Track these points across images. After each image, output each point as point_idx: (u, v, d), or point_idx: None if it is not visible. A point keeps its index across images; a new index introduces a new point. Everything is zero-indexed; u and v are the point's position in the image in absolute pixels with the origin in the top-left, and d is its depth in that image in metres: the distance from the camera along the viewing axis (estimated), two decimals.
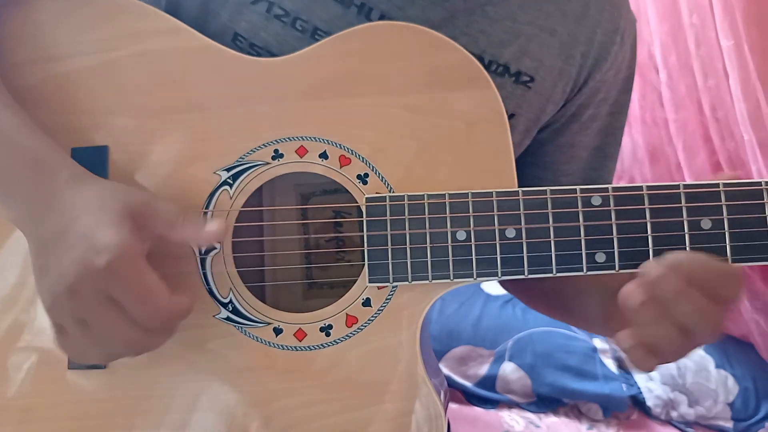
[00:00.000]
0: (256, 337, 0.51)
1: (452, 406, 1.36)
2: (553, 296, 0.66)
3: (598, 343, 1.47)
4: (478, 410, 1.37)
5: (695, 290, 0.42)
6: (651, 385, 1.41)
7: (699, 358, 1.43)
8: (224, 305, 0.51)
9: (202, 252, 0.51)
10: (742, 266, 0.45)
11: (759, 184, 0.47)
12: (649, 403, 1.39)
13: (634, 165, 1.61)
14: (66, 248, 0.43)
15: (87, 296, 0.42)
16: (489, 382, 1.40)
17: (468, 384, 1.40)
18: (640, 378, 1.43)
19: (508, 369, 1.40)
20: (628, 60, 0.64)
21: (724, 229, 0.47)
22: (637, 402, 1.41)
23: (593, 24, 0.60)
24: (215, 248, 0.52)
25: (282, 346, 0.51)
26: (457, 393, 1.41)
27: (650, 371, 0.46)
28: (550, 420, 1.36)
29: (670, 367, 1.41)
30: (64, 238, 0.43)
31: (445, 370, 1.41)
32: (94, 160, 0.51)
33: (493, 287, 1.55)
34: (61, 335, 0.45)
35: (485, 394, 1.39)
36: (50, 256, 0.44)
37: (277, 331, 0.51)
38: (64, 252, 0.43)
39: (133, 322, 0.42)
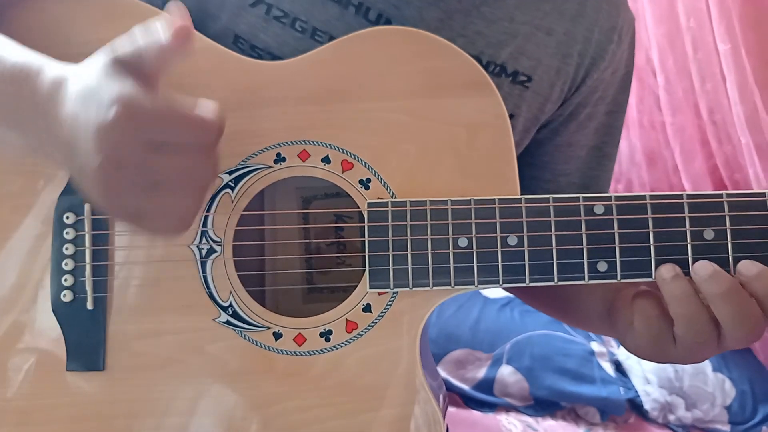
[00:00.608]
0: (256, 342, 0.51)
1: (450, 409, 1.36)
2: (554, 294, 0.66)
3: (596, 346, 1.48)
4: (476, 414, 1.37)
5: (744, 292, 0.45)
6: (648, 388, 1.41)
7: None
8: (224, 309, 0.51)
9: (205, 242, 0.51)
10: None
11: (763, 195, 0.47)
12: (647, 406, 1.40)
13: (632, 168, 1.62)
14: (82, 136, 0.39)
15: (130, 158, 0.38)
16: (487, 385, 1.40)
17: (466, 387, 1.40)
18: (637, 381, 1.43)
19: (506, 372, 1.40)
20: (626, 58, 0.64)
21: (726, 239, 0.47)
22: (635, 405, 1.42)
23: (590, 23, 0.59)
24: (215, 251, 0.51)
25: (281, 350, 0.51)
26: (455, 396, 1.41)
27: (663, 362, 0.48)
28: (548, 423, 1.36)
29: (668, 371, 1.41)
30: (76, 134, 0.40)
31: (443, 374, 1.41)
32: None
33: (491, 291, 1.55)
34: (143, 219, 0.41)
35: (483, 398, 1.40)
36: (78, 157, 0.40)
37: (277, 336, 0.51)
38: (83, 141, 0.39)
39: (188, 150, 0.40)
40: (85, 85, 0.40)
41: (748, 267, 0.46)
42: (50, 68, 0.44)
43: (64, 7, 0.53)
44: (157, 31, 0.40)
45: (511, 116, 0.58)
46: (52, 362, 0.52)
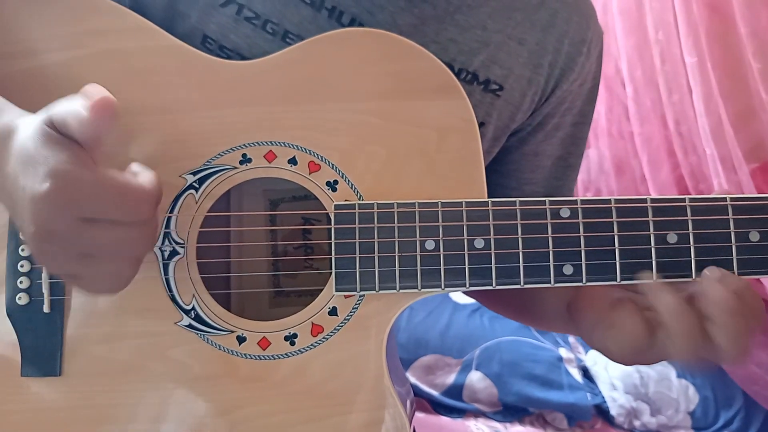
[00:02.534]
0: (219, 346, 0.50)
1: (419, 415, 1.36)
2: (513, 297, 0.67)
3: (564, 352, 1.49)
4: (444, 419, 1.37)
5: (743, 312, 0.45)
6: (615, 394, 1.43)
7: (661, 367, 1.46)
8: (186, 312, 0.50)
9: (168, 243, 0.50)
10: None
11: (724, 200, 0.47)
12: (613, 412, 1.41)
13: (600, 177, 1.64)
14: (19, 202, 0.41)
15: (62, 232, 0.39)
16: (456, 391, 1.40)
17: (435, 393, 1.40)
18: (604, 387, 1.45)
19: (475, 378, 1.41)
20: (594, 71, 0.65)
21: (689, 243, 0.48)
22: (601, 411, 1.43)
23: (561, 34, 0.60)
24: (178, 253, 0.50)
25: (245, 354, 0.50)
26: (423, 402, 1.41)
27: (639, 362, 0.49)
28: (516, 429, 1.37)
29: (633, 377, 1.44)
30: (13, 196, 0.41)
31: (412, 379, 1.41)
32: None
33: (461, 296, 1.56)
34: (74, 281, 0.43)
35: (452, 403, 1.40)
36: (18, 218, 0.42)
37: (241, 340, 0.50)
38: (20, 206, 0.40)
39: (120, 224, 0.40)
40: (25, 147, 0.41)
41: (713, 270, 0.47)
42: (4, 113, 0.45)
43: (21, 4, 0.52)
44: (75, 104, 0.40)
45: (481, 124, 0.59)
46: (5, 368, 0.50)
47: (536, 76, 0.60)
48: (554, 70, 0.61)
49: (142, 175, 0.43)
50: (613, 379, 1.44)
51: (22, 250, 0.51)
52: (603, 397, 1.43)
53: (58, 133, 0.41)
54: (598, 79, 0.66)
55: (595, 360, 1.49)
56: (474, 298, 0.77)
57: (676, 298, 0.46)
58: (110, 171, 0.41)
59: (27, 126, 0.42)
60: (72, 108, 0.40)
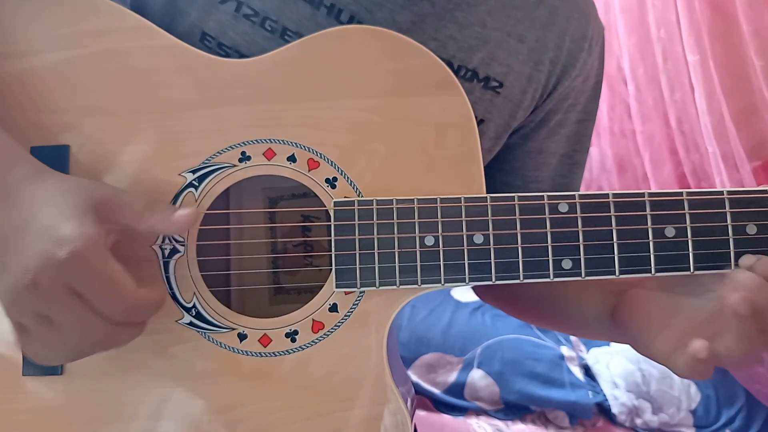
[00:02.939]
0: (220, 343, 0.50)
1: (420, 413, 1.36)
2: (542, 301, 0.66)
3: (566, 350, 1.49)
4: (446, 417, 1.37)
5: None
6: (616, 392, 1.43)
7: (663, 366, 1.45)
8: (187, 310, 0.50)
9: (168, 242, 0.50)
10: None
11: (721, 193, 0.47)
12: (614, 410, 1.41)
13: (602, 175, 1.64)
14: (26, 243, 0.41)
15: (49, 290, 0.40)
16: (457, 389, 1.40)
17: (436, 391, 1.40)
18: (605, 385, 1.45)
19: (477, 376, 1.41)
20: (597, 67, 0.65)
21: (687, 237, 0.48)
22: (603, 409, 1.43)
23: (561, 31, 0.60)
24: (179, 251, 0.50)
25: (246, 351, 0.50)
26: (425, 400, 1.41)
27: (700, 379, 0.47)
28: (518, 427, 1.37)
29: (635, 375, 1.43)
30: (23, 233, 0.42)
31: (414, 377, 1.41)
32: (54, 159, 0.50)
33: (463, 294, 1.56)
34: (23, 335, 0.43)
35: (453, 402, 1.40)
36: (9, 252, 0.42)
37: (242, 337, 0.50)
38: (24, 247, 0.41)
39: (99, 315, 0.41)
40: (61, 200, 0.43)
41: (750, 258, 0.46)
42: (26, 163, 0.46)
43: (19, 4, 0.52)
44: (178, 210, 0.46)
45: (482, 121, 0.59)
46: (7, 367, 0.50)
47: (537, 73, 0.60)
48: (555, 66, 0.61)
49: (153, 288, 0.44)
50: (615, 378, 1.44)
51: None
52: (605, 396, 1.43)
53: (102, 211, 0.43)
54: (601, 76, 0.66)
55: (596, 358, 1.49)
56: (498, 306, 0.75)
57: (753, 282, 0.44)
58: (122, 269, 0.42)
59: (76, 182, 0.45)
60: (160, 209, 0.45)
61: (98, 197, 0.44)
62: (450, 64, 0.56)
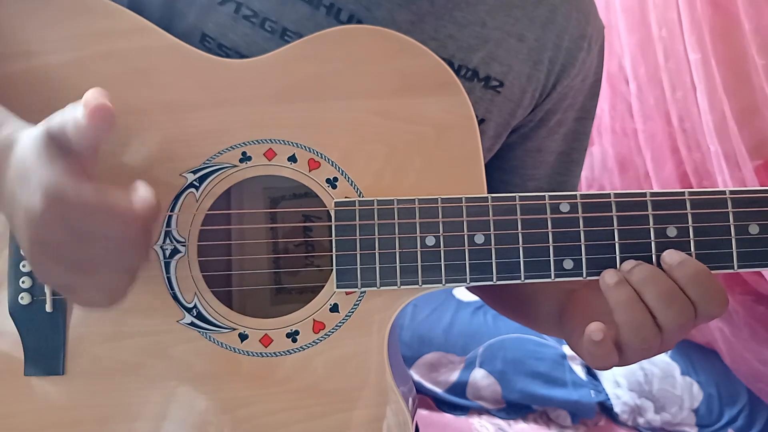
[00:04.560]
0: (221, 343, 0.50)
1: (422, 412, 1.36)
2: (512, 297, 0.67)
3: (568, 350, 1.49)
4: (448, 417, 1.37)
5: (688, 299, 0.45)
6: (618, 391, 1.42)
7: (665, 365, 1.46)
8: (188, 310, 0.50)
9: (169, 242, 0.50)
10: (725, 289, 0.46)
11: (723, 192, 0.47)
12: (617, 409, 1.41)
13: (603, 174, 1.63)
14: (14, 215, 0.42)
15: (55, 245, 0.40)
16: (459, 388, 1.40)
17: (438, 390, 1.40)
18: (607, 385, 1.45)
19: (479, 375, 1.41)
20: (596, 66, 0.65)
21: (689, 237, 0.48)
22: (605, 408, 1.43)
23: (560, 30, 0.60)
24: (180, 252, 0.50)
25: (247, 352, 0.50)
26: (427, 399, 1.41)
27: (607, 369, 0.47)
28: (520, 426, 1.37)
29: (637, 374, 1.43)
30: (13, 207, 0.42)
31: (416, 377, 1.41)
32: None
33: (464, 294, 1.56)
34: (73, 294, 0.43)
35: (455, 401, 1.40)
36: (15, 229, 0.43)
37: (243, 337, 0.50)
38: (17, 218, 0.41)
39: (109, 238, 0.41)
40: (22, 161, 0.42)
41: (671, 255, 0.47)
42: (5, 125, 0.45)
43: (21, 5, 0.52)
44: (75, 111, 0.41)
45: (482, 121, 0.59)
46: (9, 367, 0.50)
47: (536, 73, 0.60)
48: (554, 66, 0.60)
49: (138, 192, 0.42)
50: (617, 377, 1.44)
51: None
52: (607, 395, 1.43)
53: (55, 144, 0.41)
54: (600, 74, 0.66)
55: None
56: (478, 296, 0.77)
57: (624, 290, 0.46)
58: (103, 188, 0.41)
59: (26, 139, 0.42)
60: (69, 116, 0.41)
61: (44, 131, 0.42)
62: (450, 64, 0.55)
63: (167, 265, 0.50)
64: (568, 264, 0.48)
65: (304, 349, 0.50)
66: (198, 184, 0.51)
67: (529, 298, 0.63)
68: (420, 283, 0.49)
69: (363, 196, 0.50)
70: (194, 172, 0.51)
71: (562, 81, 0.61)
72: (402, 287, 0.49)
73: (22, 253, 0.51)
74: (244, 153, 0.51)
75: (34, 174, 0.40)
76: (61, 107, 0.51)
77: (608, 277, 0.47)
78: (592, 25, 0.63)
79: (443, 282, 0.48)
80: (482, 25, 0.58)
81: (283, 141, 0.51)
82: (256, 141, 0.51)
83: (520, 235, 0.48)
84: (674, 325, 0.45)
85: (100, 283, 0.42)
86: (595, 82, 0.65)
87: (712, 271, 0.47)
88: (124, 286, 0.44)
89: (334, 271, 0.49)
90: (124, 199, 0.41)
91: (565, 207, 0.48)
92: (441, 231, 0.49)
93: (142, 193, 0.42)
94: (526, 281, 0.48)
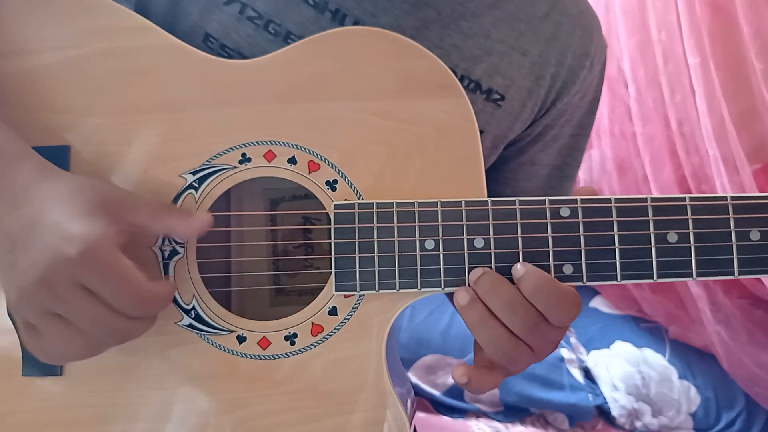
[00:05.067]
0: (219, 345, 0.50)
1: (420, 415, 1.36)
2: None
3: (565, 353, 1.49)
4: (445, 419, 1.37)
5: (532, 306, 0.45)
6: (616, 395, 1.42)
7: (662, 368, 1.46)
8: (187, 312, 0.50)
9: (168, 243, 0.50)
10: (577, 293, 0.46)
11: (724, 198, 0.47)
12: (614, 413, 1.41)
13: (602, 177, 1.64)
14: (36, 240, 0.41)
15: (60, 287, 0.40)
16: (457, 391, 1.40)
17: (436, 393, 1.40)
18: (605, 388, 1.45)
19: None
20: (596, 84, 0.65)
21: (689, 242, 0.47)
22: (602, 412, 1.43)
23: (564, 47, 0.60)
24: (178, 253, 0.50)
25: (245, 354, 0.50)
26: (425, 402, 1.41)
27: (485, 391, 0.48)
28: (517, 429, 1.37)
29: (635, 378, 1.43)
30: (33, 232, 0.41)
31: (414, 379, 1.40)
32: (55, 159, 0.50)
33: None
34: (31, 334, 0.43)
35: (453, 403, 1.40)
36: (18, 250, 0.42)
37: (241, 339, 0.50)
38: (34, 244, 0.41)
39: (112, 310, 0.41)
40: (71, 197, 0.43)
41: (516, 269, 0.47)
42: (31, 160, 0.46)
43: (21, 3, 0.52)
44: (194, 219, 0.46)
45: (480, 132, 0.59)
46: (7, 367, 0.50)
47: (537, 88, 0.60)
48: (556, 82, 0.61)
49: (162, 282, 0.44)
50: (615, 380, 1.44)
51: None
52: (604, 398, 1.43)
53: (110, 210, 0.43)
54: (600, 92, 0.66)
55: (596, 361, 1.49)
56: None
57: (477, 309, 0.46)
58: (131, 263, 0.42)
59: (89, 181, 0.45)
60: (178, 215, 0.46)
61: (109, 196, 0.44)
62: (453, 73, 0.56)
63: (165, 266, 0.50)
64: (567, 269, 0.48)
65: (302, 352, 0.50)
66: (197, 185, 0.51)
67: None
68: (419, 287, 0.48)
69: (363, 198, 0.50)
70: (194, 173, 0.51)
71: (562, 98, 0.62)
72: (401, 291, 0.49)
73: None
74: (243, 154, 0.51)
75: (78, 219, 0.41)
76: (62, 106, 0.51)
77: (460, 297, 0.46)
78: (596, 44, 0.63)
79: (442, 286, 0.48)
80: (486, 36, 0.58)
81: (283, 142, 0.51)
82: (256, 142, 0.51)
83: (519, 239, 0.48)
84: (526, 332, 0.45)
85: (66, 338, 0.42)
86: (593, 100, 0.66)
87: (712, 278, 0.47)
88: (84, 352, 0.44)
89: (333, 273, 0.49)
90: (148, 282, 0.42)
91: (565, 212, 0.48)
92: (440, 235, 0.48)
93: (167, 283, 0.44)
94: None
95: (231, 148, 0.51)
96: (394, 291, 0.49)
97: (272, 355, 0.50)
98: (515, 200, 0.48)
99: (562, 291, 0.45)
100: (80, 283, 0.40)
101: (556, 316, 0.45)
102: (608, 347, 1.51)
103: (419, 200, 0.49)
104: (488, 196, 0.49)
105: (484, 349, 0.47)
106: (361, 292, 0.49)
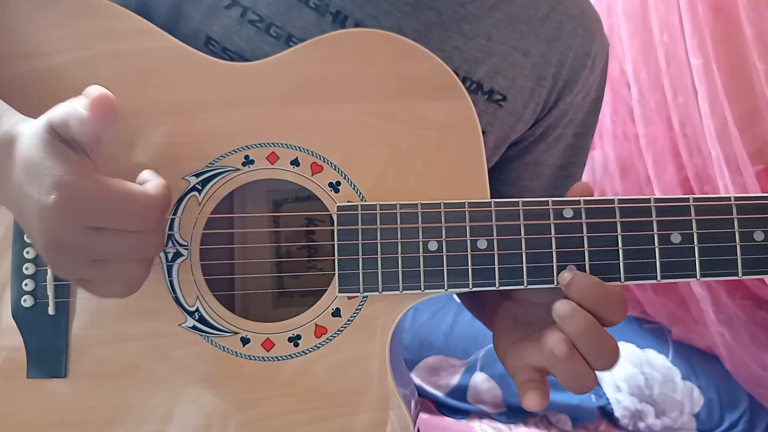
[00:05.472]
0: (223, 347, 0.50)
1: (423, 416, 1.36)
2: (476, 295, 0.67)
3: None
4: (448, 420, 1.37)
5: (584, 312, 0.45)
6: (619, 396, 1.42)
7: (666, 369, 1.45)
8: (190, 314, 0.50)
9: (171, 245, 0.50)
10: (623, 294, 0.46)
11: (728, 199, 0.47)
12: (617, 413, 1.40)
13: (605, 178, 1.63)
14: (27, 211, 0.41)
15: (69, 241, 0.40)
16: (460, 392, 1.40)
17: (439, 394, 1.40)
18: (608, 389, 1.44)
19: (479, 379, 1.40)
20: (598, 83, 0.65)
21: (693, 243, 0.47)
22: (606, 413, 1.42)
23: (565, 47, 0.60)
24: (182, 255, 0.50)
25: (249, 356, 0.50)
26: (428, 403, 1.40)
27: (590, 389, 0.48)
28: (520, 430, 1.37)
29: (638, 379, 1.43)
30: (22, 202, 0.42)
31: (417, 380, 1.40)
32: None
33: None
34: (91, 286, 0.43)
35: (456, 405, 1.39)
36: (25, 225, 0.43)
37: (245, 341, 0.50)
38: (29, 216, 0.41)
39: (126, 233, 0.41)
40: (28, 156, 0.41)
41: (563, 276, 0.47)
42: (4, 118, 0.45)
43: (25, 5, 0.52)
44: (76, 104, 0.41)
45: (483, 133, 0.59)
46: (11, 369, 0.50)
47: (539, 88, 0.60)
48: (558, 82, 0.61)
49: (149, 183, 0.43)
50: (618, 381, 1.44)
51: (27, 252, 0.51)
52: (607, 399, 1.42)
53: (60, 138, 0.41)
54: (602, 92, 0.66)
55: None
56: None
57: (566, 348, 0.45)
58: (114, 180, 0.41)
59: (29, 133, 0.42)
60: (72, 108, 0.41)
61: (49, 124, 0.42)
62: (455, 75, 0.56)
63: (169, 269, 0.50)
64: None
65: (305, 354, 0.50)
66: (200, 188, 0.51)
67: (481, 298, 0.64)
68: (422, 288, 0.48)
69: (365, 200, 0.50)
70: (197, 176, 0.51)
71: (564, 98, 0.62)
72: (404, 292, 0.49)
73: (27, 241, 0.51)
74: (246, 156, 0.51)
75: (44, 169, 0.40)
76: None
77: (563, 309, 0.45)
78: (597, 43, 0.63)
79: (445, 287, 0.48)
80: (488, 38, 0.58)
81: (286, 144, 0.51)
82: (259, 144, 0.51)
83: (523, 240, 0.48)
84: (581, 337, 0.45)
85: (118, 274, 0.43)
86: (596, 99, 0.66)
87: (715, 279, 0.47)
88: (142, 274, 0.44)
89: (336, 275, 0.49)
90: (137, 189, 0.41)
91: (568, 212, 0.48)
92: (444, 236, 0.48)
93: (154, 180, 0.43)
94: (529, 287, 0.48)
95: (234, 151, 0.51)
96: (398, 292, 0.49)
97: (276, 357, 0.50)
98: (518, 201, 0.48)
99: (611, 291, 0.45)
100: (83, 225, 0.40)
101: (606, 317, 0.45)
102: None
103: (422, 201, 0.49)
104: (492, 197, 0.49)
105: (561, 379, 0.46)
106: (365, 294, 0.49)
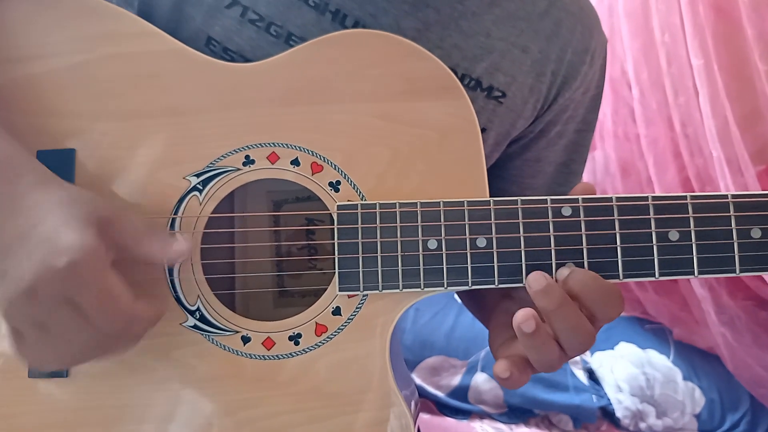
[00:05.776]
0: (224, 346, 0.50)
1: (424, 416, 1.36)
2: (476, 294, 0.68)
3: None
4: (450, 421, 1.37)
5: (574, 306, 0.45)
6: (620, 396, 1.42)
7: (667, 369, 1.45)
8: (191, 313, 0.50)
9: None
10: (620, 289, 0.46)
11: (725, 197, 0.47)
12: (618, 414, 1.40)
13: (606, 178, 1.63)
14: (27, 250, 0.41)
15: (46, 298, 0.40)
16: (461, 392, 1.40)
17: (440, 394, 1.40)
18: (609, 389, 1.44)
19: (480, 380, 1.40)
20: (597, 79, 0.65)
21: (691, 240, 0.48)
22: (607, 413, 1.42)
23: (564, 43, 0.61)
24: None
25: (250, 354, 0.50)
26: (429, 403, 1.40)
27: (521, 385, 0.48)
28: (521, 431, 1.37)
29: (639, 379, 1.43)
30: (25, 241, 0.42)
31: (418, 381, 1.41)
32: (60, 163, 0.50)
33: None
34: (19, 341, 0.43)
35: (457, 405, 1.39)
36: (10, 259, 0.42)
37: (245, 340, 0.50)
38: (25, 254, 0.41)
39: (92, 326, 0.41)
40: (67, 210, 0.43)
41: (561, 272, 0.47)
42: (33, 170, 0.46)
43: (25, 8, 0.52)
44: (176, 241, 0.46)
45: (483, 130, 0.59)
46: (12, 369, 0.50)
47: (538, 84, 0.60)
48: (557, 78, 0.61)
49: (152, 303, 0.44)
50: (619, 381, 1.44)
51: None
52: (608, 399, 1.42)
53: (104, 229, 0.43)
54: (602, 88, 0.66)
55: (600, 362, 1.49)
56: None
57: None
58: (122, 285, 0.42)
59: (77, 194, 0.44)
60: (143, 227, 0.45)
61: (102, 213, 0.44)
62: (454, 72, 0.56)
63: (170, 268, 0.50)
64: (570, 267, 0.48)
65: (306, 352, 0.50)
66: (201, 188, 0.51)
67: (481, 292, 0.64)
68: (422, 287, 0.49)
69: (366, 200, 0.50)
70: (197, 176, 0.51)
71: (563, 93, 0.62)
72: (404, 291, 0.49)
73: None
74: (247, 156, 0.51)
75: (74, 233, 0.41)
76: (67, 110, 0.51)
77: (526, 326, 0.45)
78: (596, 39, 0.63)
79: (445, 286, 0.48)
80: (487, 35, 0.58)
81: (286, 144, 0.51)
82: (260, 144, 0.51)
83: (522, 238, 0.48)
84: (568, 331, 0.45)
85: (49, 349, 0.43)
86: (596, 96, 0.66)
87: (714, 276, 0.47)
88: (67, 363, 0.45)
89: (337, 274, 0.49)
90: (138, 306, 0.43)
91: (567, 210, 0.48)
92: (443, 234, 0.49)
93: (156, 305, 0.44)
94: None
95: (234, 151, 0.51)
96: (398, 291, 0.49)
97: (277, 356, 0.50)
98: (517, 200, 0.48)
99: (608, 285, 0.46)
100: (66, 296, 0.40)
101: (603, 311, 0.45)
102: (612, 348, 1.51)
103: (422, 200, 0.49)
104: (494, 194, 0.50)
105: (528, 352, 0.46)
106: (365, 292, 0.50)
